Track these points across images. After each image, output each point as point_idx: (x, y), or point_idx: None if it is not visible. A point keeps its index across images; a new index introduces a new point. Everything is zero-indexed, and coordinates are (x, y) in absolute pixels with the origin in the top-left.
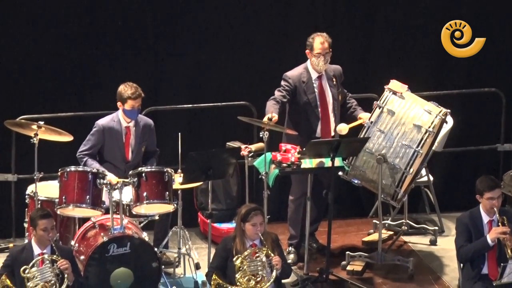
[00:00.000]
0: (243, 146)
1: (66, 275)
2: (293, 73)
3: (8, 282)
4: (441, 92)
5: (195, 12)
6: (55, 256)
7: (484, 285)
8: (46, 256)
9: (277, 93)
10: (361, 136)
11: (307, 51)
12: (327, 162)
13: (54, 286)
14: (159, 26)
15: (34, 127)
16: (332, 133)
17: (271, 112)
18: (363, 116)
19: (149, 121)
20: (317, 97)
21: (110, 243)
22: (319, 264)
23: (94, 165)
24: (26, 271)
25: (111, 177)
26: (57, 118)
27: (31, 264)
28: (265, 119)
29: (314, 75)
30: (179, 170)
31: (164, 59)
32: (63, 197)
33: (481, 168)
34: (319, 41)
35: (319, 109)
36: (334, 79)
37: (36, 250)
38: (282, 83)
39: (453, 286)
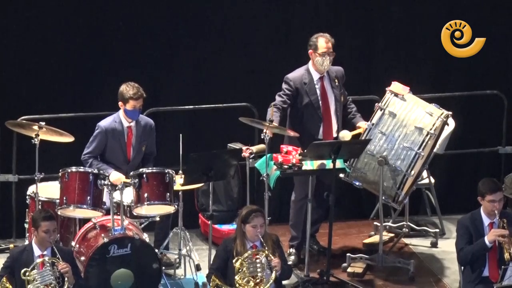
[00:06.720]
0: (244, 148)
1: (66, 278)
2: (294, 74)
3: (9, 285)
4: (443, 94)
5: (197, 13)
6: (55, 258)
7: None
8: (46, 258)
9: (277, 99)
10: (363, 138)
11: (310, 51)
12: (328, 164)
13: None
14: (161, 27)
15: (35, 127)
16: (335, 134)
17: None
18: (362, 125)
19: (150, 121)
20: (319, 98)
21: (111, 244)
22: (319, 266)
23: (100, 166)
24: (27, 274)
25: (116, 175)
26: (58, 119)
27: (31, 266)
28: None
29: (315, 76)
30: (180, 171)
31: (165, 60)
32: (64, 198)
33: (482, 170)
34: (323, 40)
35: (321, 110)
36: (336, 80)
37: (37, 251)
38: (283, 86)
39: None
